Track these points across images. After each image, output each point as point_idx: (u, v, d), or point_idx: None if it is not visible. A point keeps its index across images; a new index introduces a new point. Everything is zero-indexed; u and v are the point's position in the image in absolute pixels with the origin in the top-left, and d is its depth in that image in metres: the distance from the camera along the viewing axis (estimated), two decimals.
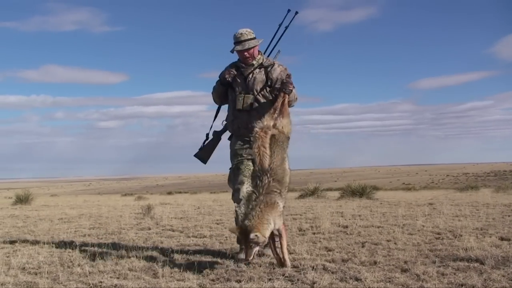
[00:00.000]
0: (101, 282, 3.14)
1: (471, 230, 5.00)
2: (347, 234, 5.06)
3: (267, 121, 3.65)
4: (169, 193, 27.66)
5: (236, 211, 3.95)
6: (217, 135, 4.23)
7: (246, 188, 3.87)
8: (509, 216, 6.35)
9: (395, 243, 4.39)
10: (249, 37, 3.95)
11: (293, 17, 4.14)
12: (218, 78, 4.16)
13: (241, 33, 3.96)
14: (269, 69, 4.00)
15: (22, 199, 12.72)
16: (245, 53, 3.96)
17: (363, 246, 4.28)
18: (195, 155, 4.26)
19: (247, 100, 3.96)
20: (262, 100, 3.98)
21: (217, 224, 6.32)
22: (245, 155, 3.99)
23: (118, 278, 3.28)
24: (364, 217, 6.58)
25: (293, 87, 3.86)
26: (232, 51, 3.98)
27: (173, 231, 5.71)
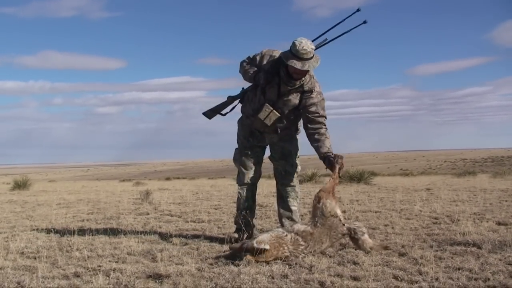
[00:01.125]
0: (100, 266, 3.15)
1: (469, 215, 5.03)
2: (345, 219, 5.06)
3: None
4: (167, 178, 27.61)
5: (239, 192, 4.01)
6: (232, 99, 3.98)
7: (251, 174, 3.96)
8: (506, 201, 6.38)
9: (392, 228, 4.41)
10: (311, 55, 3.51)
11: (359, 24, 3.76)
12: (256, 55, 3.80)
13: (306, 51, 3.47)
14: (306, 94, 3.69)
15: (20, 185, 12.71)
16: (300, 74, 3.60)
17: None
18: (204, 113, 4.02)
19: (272, 116, 3.71)
20: (285, 120, 3.80)
21: (215, 209, 6.33)
22: (255, 141, 3.95)
23: (117, 262, 3.29)
24: (362, 202, 6.61)
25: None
26: (285, 60, 3.52)
27: (171, 216, 5.73)
